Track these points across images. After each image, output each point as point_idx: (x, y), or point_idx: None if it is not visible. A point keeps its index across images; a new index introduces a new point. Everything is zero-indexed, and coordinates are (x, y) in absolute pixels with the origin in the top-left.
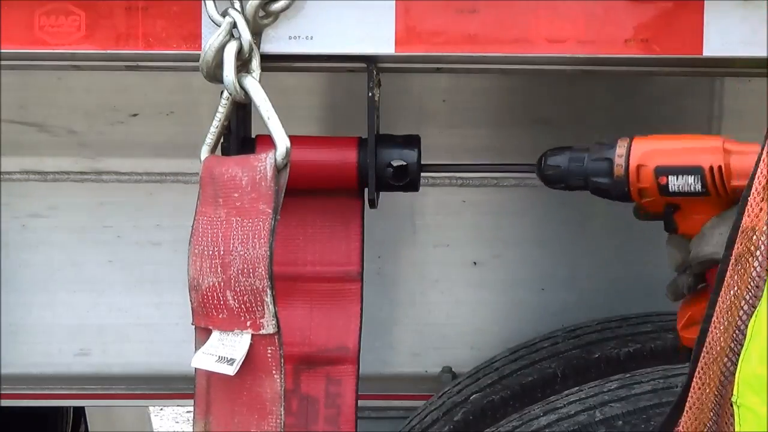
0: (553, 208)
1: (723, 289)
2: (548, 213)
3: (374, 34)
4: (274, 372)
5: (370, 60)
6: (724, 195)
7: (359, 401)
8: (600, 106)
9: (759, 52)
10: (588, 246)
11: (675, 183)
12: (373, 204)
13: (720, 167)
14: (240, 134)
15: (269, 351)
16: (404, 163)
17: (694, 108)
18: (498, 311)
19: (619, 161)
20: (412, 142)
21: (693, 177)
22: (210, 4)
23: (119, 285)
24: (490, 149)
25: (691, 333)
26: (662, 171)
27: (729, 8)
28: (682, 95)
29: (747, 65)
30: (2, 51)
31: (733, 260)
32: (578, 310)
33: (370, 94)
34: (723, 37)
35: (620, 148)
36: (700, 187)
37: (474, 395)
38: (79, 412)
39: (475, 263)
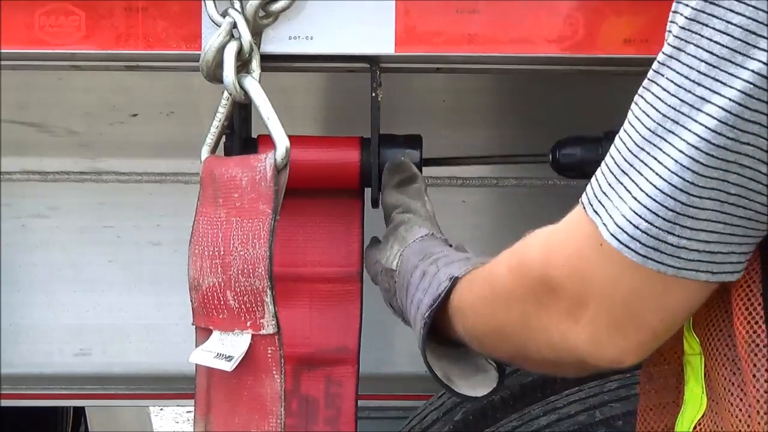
0: (553, 209)
1: None
2: (548, 213)
3: (374, 34)
4: (274, 372)
5: (372, 60)
6: None
7: (359, 401)
8: (600, 106)
9: None
10: None
11: None
12: (375, 204)
13: None
14: (242, 134)
15: (269, 351)
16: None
17: None
18: None
19: None
20: (415, 141)
21: None
22: (210, 4)
23: (119, 285)
24: (489, 150)
25: None
26: None
27: None
28: None
29: None
30: (2, 51)
31: None
32: None
33: (373, 94)
34: None
35: None
36: None
37: None
38: (79, 412)
39: None
